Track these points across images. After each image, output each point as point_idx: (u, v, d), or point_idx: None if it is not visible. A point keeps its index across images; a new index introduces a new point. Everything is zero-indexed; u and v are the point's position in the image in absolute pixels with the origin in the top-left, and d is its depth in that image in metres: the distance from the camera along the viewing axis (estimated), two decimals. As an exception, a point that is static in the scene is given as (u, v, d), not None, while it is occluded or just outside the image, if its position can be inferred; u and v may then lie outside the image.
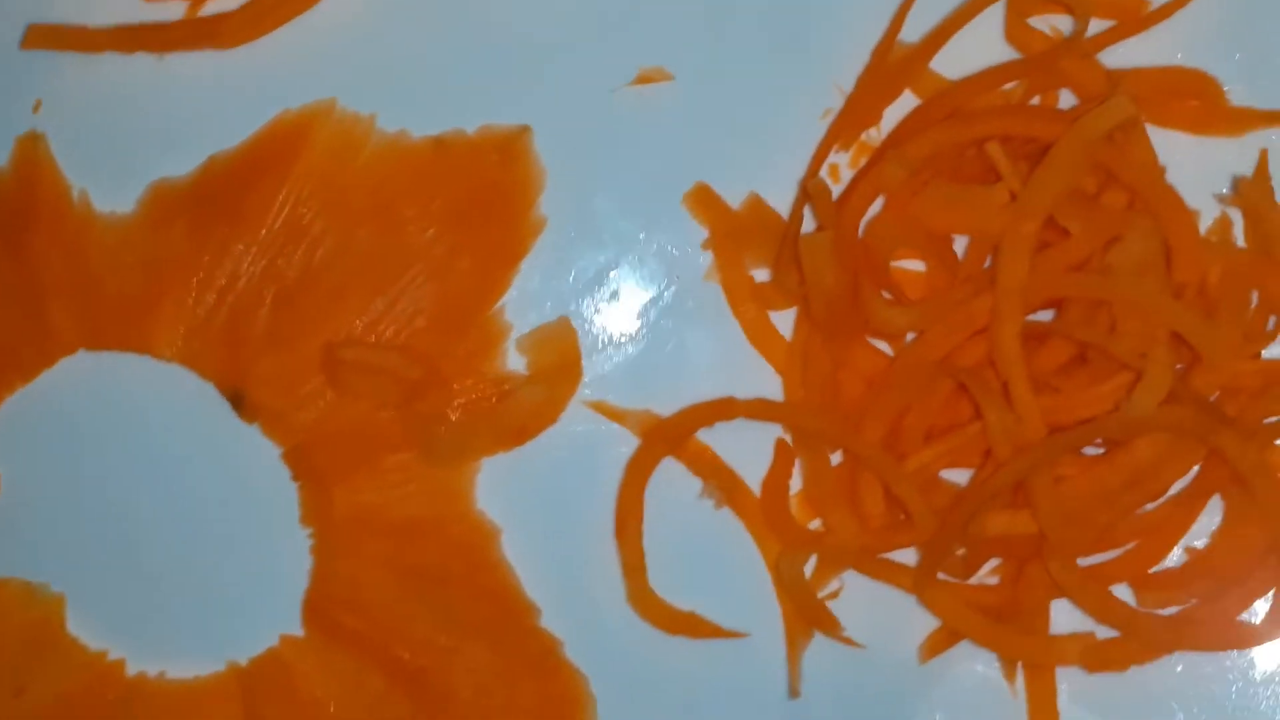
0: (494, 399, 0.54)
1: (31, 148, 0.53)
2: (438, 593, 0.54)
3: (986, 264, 0.53)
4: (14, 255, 0.52)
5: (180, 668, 0.54)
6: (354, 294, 0.54)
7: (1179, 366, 0.51)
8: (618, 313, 0.55)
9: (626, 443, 0.54)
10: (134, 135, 0.54)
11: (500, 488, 0.54)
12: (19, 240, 0.52)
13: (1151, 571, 0.52)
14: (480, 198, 0.54)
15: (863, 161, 0.54)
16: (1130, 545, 0.52)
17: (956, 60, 0.54)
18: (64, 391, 0.54)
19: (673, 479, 0.54)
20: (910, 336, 0.53)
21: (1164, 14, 0.53)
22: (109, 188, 0.53)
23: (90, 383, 0.54)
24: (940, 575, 0.52)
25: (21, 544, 0.54)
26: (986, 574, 0.53)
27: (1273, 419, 0.51)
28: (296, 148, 0.53)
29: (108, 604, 0.54)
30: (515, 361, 0.55)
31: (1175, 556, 0.52)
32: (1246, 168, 0.53)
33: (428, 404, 0.53)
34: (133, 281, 0.53)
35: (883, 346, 0.54)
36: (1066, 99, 0.54)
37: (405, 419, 0.53)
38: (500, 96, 0.55)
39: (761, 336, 0.54)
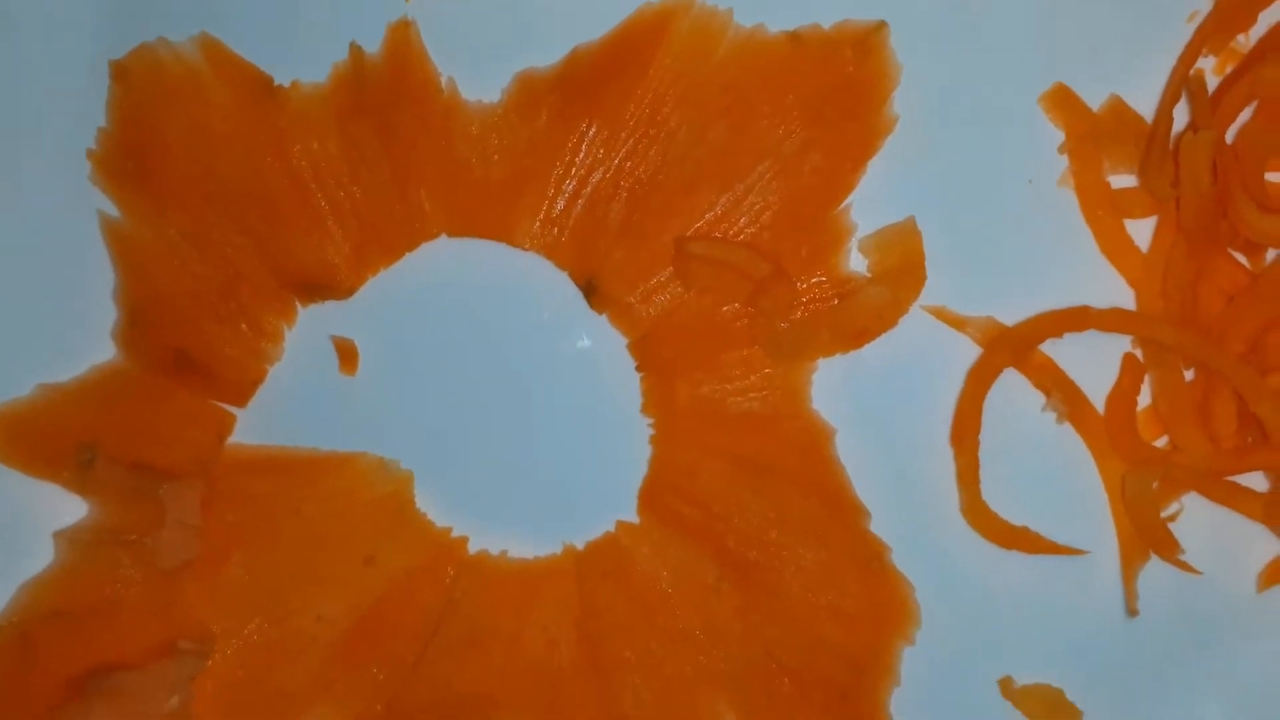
0: (836, 299, 0.58)
1: (403, 35, 0.59)
2: (771, 488, 0.58)
3: None
4: (385, 140, 0.58)
5: (519, 548, 0.60)
6: (705, 189, 0.58)
7: None
8: (964, 216, 0.58)
9: (967, 351, 0.58)
10: (501, 25, 0.59)
11: (837, 388, 0.59)
12: (390, 125, 0.58)
13: None
14: (834, 94, 0.58)
15: (1229, 70, 0.56)
16: None
17: None
18: (425, 274, 0.60)
19: (1013, 391, 0.57)
20: (1274, 253, 0.55)
21: None
22: (476, 77, 0.59)
23: (450, 267, 0.60)
24: None
25: (377, 420, 0.60)
26: None
27: None
28: (656, 41, 0.58)
29: (454, 483, 0.60)
30: (858, 262, 0.59)
31: None
32: None
33: (772, 300, 0.57)
34: (495, 170, 0.58)
35: (1243, 262, 0.56)
36: None
37: (750, 314, 0.58)
38: None
39: (1116, 246, 0.57)
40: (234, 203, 0.59)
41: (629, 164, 0.59)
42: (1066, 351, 0.57)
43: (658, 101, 0.58)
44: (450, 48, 0.60)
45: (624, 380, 0.60)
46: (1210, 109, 0.55)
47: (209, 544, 0.57)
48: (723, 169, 0.58)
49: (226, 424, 0.59)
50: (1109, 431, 0.57)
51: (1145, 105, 0.57)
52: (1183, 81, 0.55)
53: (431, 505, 0.60)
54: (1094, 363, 0.57)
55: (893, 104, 0.58)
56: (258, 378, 0.59)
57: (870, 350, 0.58)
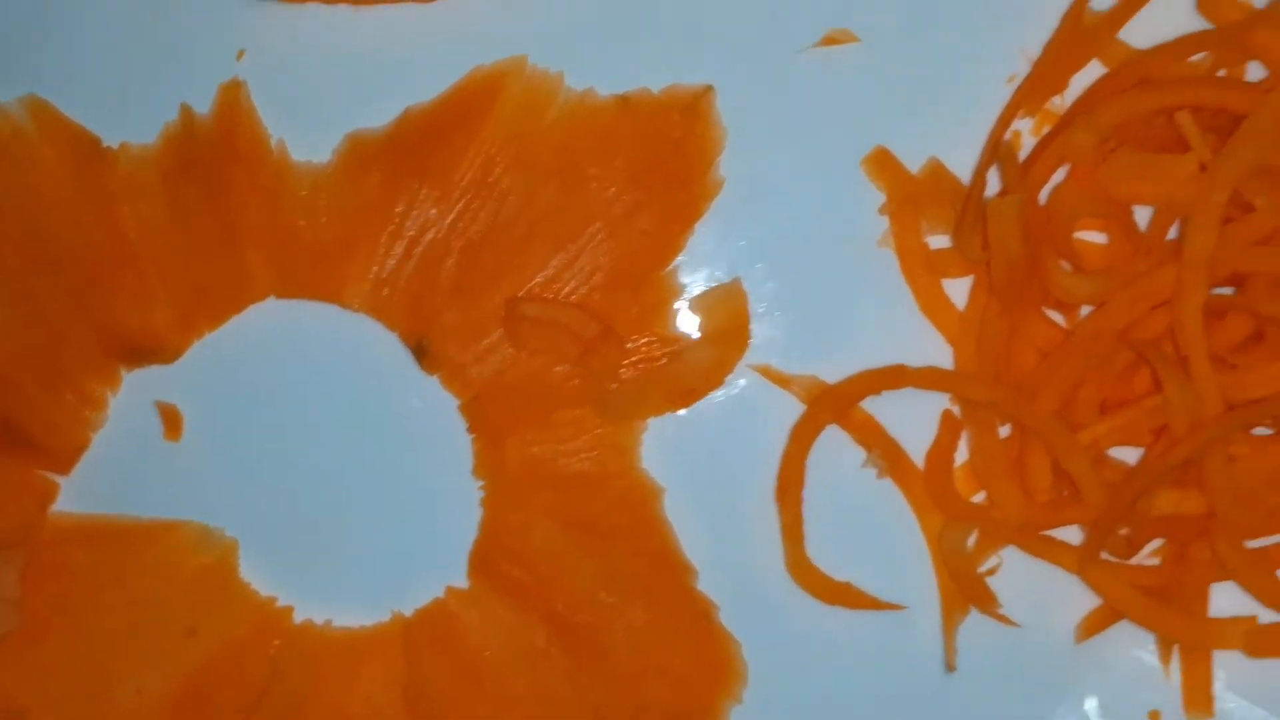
0: (665, 359, 0.61)
1: (233, 96, 0.61)
2: (601, 548, 0.61)
3: (1170, 236, 0.58)
4: (213, 200, 0.60)
5: (347, 617, 0.61)
6: (536, 250, 0.61)
7: None
8: (788, 277, 0.61)
9: (791, 408, 0.60)
10: (332, 86, 0.62)
11: (665, 447, 0.61)
12: (218, 186, 0.60)
13: None
14: (662, 157, 0.61)
15: (1045, 130, 0.60)
16: None
17: (1144, 30, 0.59)
18: (253, 337, 0.62)
19: (836, 447, 0.60)
20: (1086, 310, 0.58)
21: None
22: (306, 137, 0.61)
23: (279, 329, 0.62)
24: (1101, 554, 0.57)
25: (200, 487, 0.61)
26: (1146, 555, 0.58)
27: None
28: (488, 103, 0.60)
29: (279, 551, 0.62)
30: (686, 322, 0.61)
31: None
32: None
33: (602, 361, 0.60)
34: (325, 231, 0.61)
35: (1057, 319, 0.59)
36: (1254, 72, 0.59)
37: (581, 375, 0.60)
38: (685, 56, 0.61)
39: (934, 305, 0.60)
40: (59, 266, 0.61)
41: (460, 225, 0.61)
42: (891, 408, 0.61)
43: (489, 163, 0.61)
44: (281, 108, 0.62)
45: (455, 442, 0.62)
46: (1022, 172, 0.58)
47: (28, 617, 0.58)
48: (554, 230, 0.61)
49: (49, 493, 0.60)
50: (928, 487, 0.60)
51: (966, 167, 0.61)
52: (995, 146, 0.58)
53: (257, 574, 0.62)
54: (915, 419, 0.60)
55: (719, 168, 0.61)
56: (81, 445, 0.61)
57: (699, 409, 0.61)
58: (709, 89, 0.61)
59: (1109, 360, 0.57)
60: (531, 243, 0.61)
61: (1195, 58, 0.59)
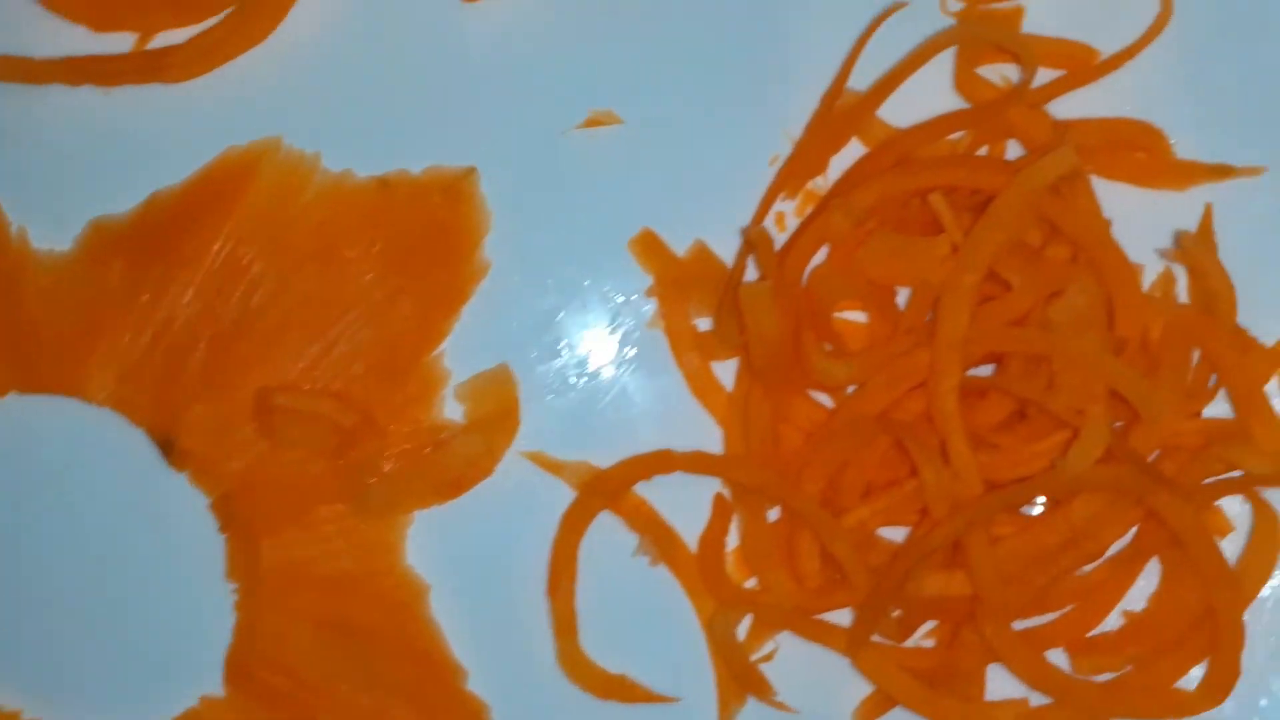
0: (429, 449, 0.60)
1: None
2: (363, 651, 0.59)
3: (929, 317, 0.58)
4: None
5: None
6: (291, 338, 0.60)
7: (1118, 424, 0.57)
8: (558, 361, 0.61)
9: (563, 496, 0.60)
10: (76, 171, 0.60)
11: (432, 542, 0.60)
12: None
13: (1088, 636, 0.58)
14: (424, 240, 0.60)
15: (809, 210, 0.61)
16: (1067, 608, 0.58)
17: (906, 109, 0.60)
18: None
19: (610, 534, 0.60)
20: (852, 389, 0.59)
21: (1113, 65, 0.59)
22: (48, 225, 0.60)
23: (19, 426, 0.60)
24: (876, 638, 0.58)
25: None
26: (923, 636, 0.59)
27: (1212, 479, 0.57)
28: (240, 186, 0.59)
29: (24, 661, 0.60)
30: (453, 410, 0.60)
31: (1112, 620, 0.58)
32: (1192, 222, 0.59)
33: (361, 453, 0.59)
34: (67, 323, 0.59)
35: (825, 400, 0.60)
36: (1016, 150, 0.60)
37: (338, 469, 0.59)
38: (447, 137, 0.61)
39: (704, 387, 0.60)
40: None
41: (210, 313, 0.60)
42: (666, 492, 0.60)
43: (241, 247, 0.60)
44: (22, 195, 0.61)
45: (207, 543, 0.60)
46: (781, 255, 0.59)
47: None
48: (311, 317, 0.60)
49: None
50: (701, 573, 0.60)
51: (733, 248, 0.61)
52: (753, 231, 0.59)
53: (3, 686, 0.60)
54: (690, 502, 0.60)
55: (484, 250, 0.61)
56: None
57: (467, 500, 0.60)
58: (471, 170, 0.61)
59: (871, 442, 0.58)
60: (286, 331, 0.60)
61: (956, 136, 0.60)
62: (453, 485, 0.60)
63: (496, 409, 0.60)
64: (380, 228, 0.60)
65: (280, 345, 0.60)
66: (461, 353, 0.61)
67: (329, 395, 0.60)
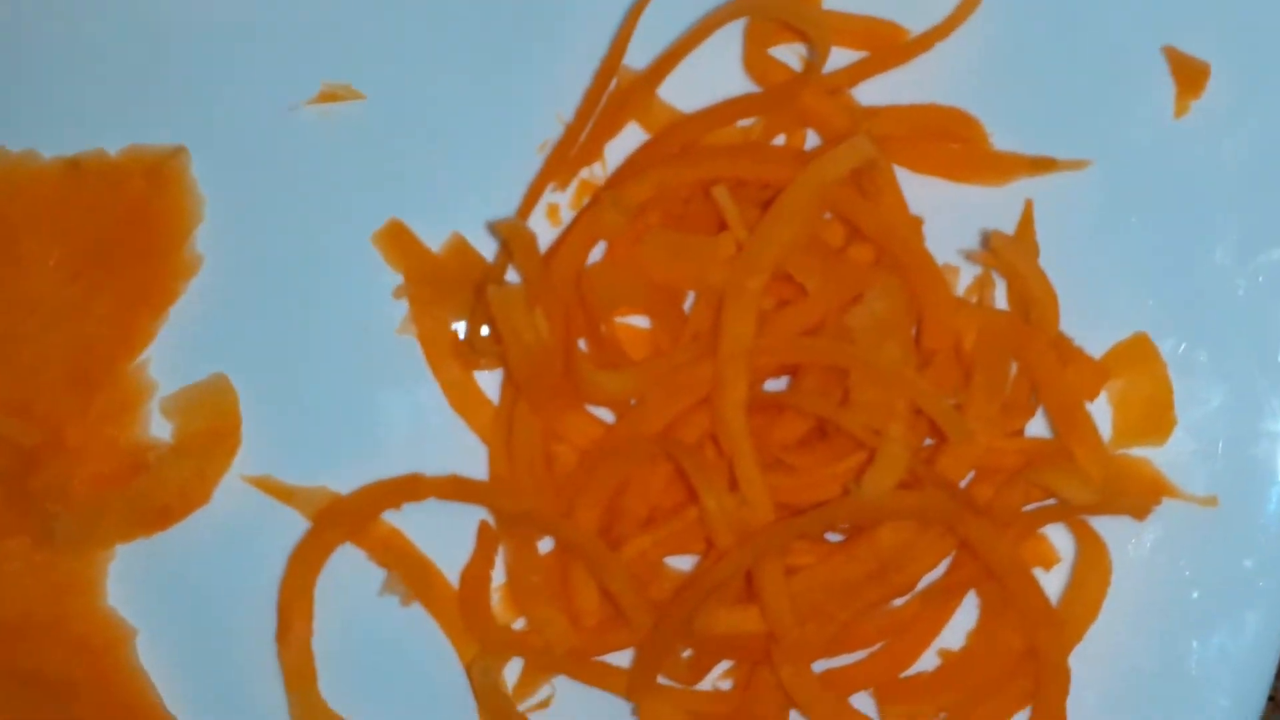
0: (131, 473, 0.54)
1: None
2: (57, 705, 0.54)
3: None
4: None
5: None
6: None
7: (928, 443, 0.53)
8: (289, 369, 0.56)
9: (295, 527, 0.55)
10: None
11: (138, 580, 0.55)
12: None
13: (899, 677, 0.54)
14: (123, 230, 0.55)
15: (586, 202, 0.56)
16: (875, 647, 0.54)
17: (693, 91, 0.56)
18: None
19: (353, 569, 0.55)
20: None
21: (922, 45, 0.56)
22: None
23: None
24: (663, 680, 0.54)
25: None
26: (718, 678, 0.55)
27: (1033, 505, 0.53)
28: None
29: None
30: (160, 427, 0.55)
31: (926, 660, 0.54)
32: (1011, 220, 0.55)
33: (46, 478, 0.53)
34: None
35: (607, 415, 0.55)
36: (814, 141, 0.56)
37: (16, 497, 0.53)
38: (151, 112, 0.56)
39: (464, 401, 0.55)
40: None
41: None
42: (422, 520, 0.55)
43: None
44: None
45: None
46: (550, 254, 0.54)
47: None
48: None
49: None
50: (462, 612, 0.55)
51: (495, 243, 0.56)
52: (509, 225, 0.54)
53: None
54: (452, 532, 0.55)
55: (195, 242, 0.56)
56: None
57: (179, 532, 0.55)
58: (181, 150, 0.56)
59: (652, 462, 0.53)
60: None
61: (748, 123, 0.56)
62: (161, 515, 0.55)
63: (212, 426, 0.56)
64: (71, 216, 0.56)
65: (-53, 351, 0.54)
66: (169, 361, 0.56)
67: (7, 410, 0.54)
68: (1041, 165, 0.56)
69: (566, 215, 0.56)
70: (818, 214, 0.52)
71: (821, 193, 0.52)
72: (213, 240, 0.56)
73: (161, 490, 0.54)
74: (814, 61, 0.55)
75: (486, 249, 0.56)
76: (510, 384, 0.55)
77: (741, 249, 0.52)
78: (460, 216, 0.56)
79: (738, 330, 0.51)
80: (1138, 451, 0.55)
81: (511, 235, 0.53)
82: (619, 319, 0.55)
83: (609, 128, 0.56)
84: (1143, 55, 0.56)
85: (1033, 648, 0.53)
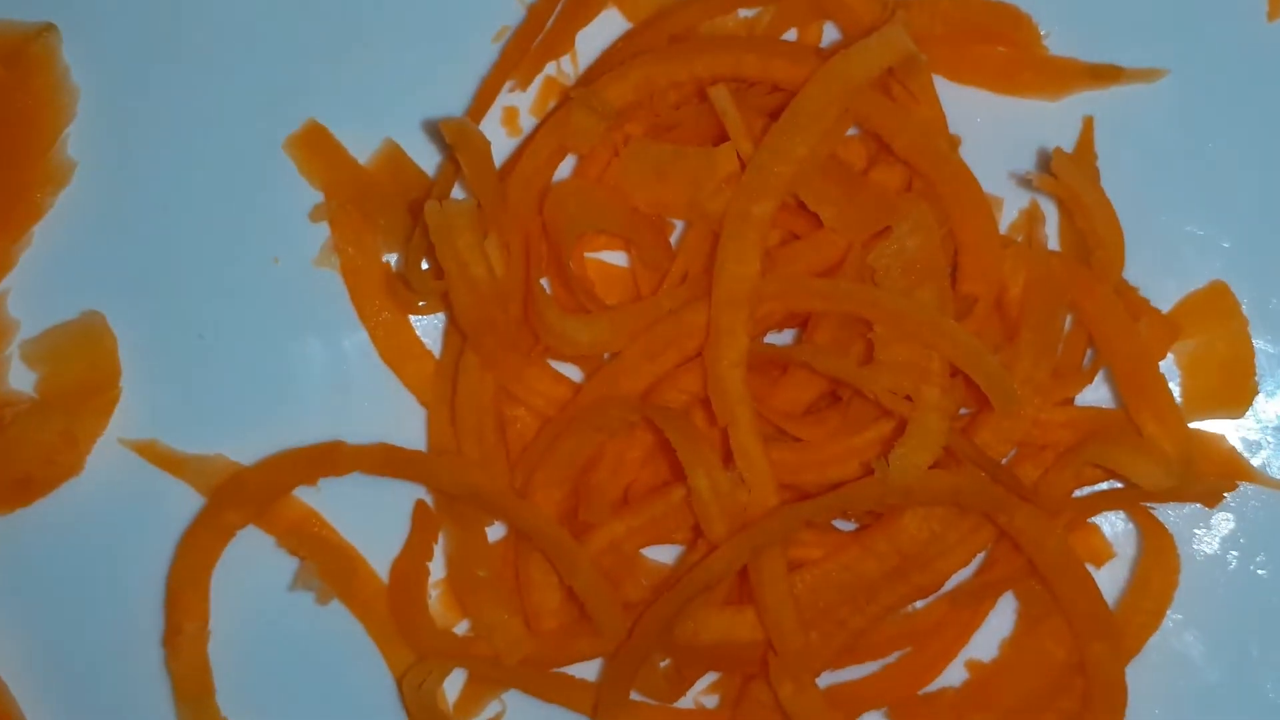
0: None
1: None
2: None
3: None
4: None
5: None
6: None
7: (962, 412, 0.48)
8: (182, 308, 0.51)
9: (187, 504, 0.50)
10: None
11: None
12: None
13: (919, 694, 0.50)
14: None
15: (552, 106, 0.51)
16: (892, 658, 0.50)
17: None
18: None
19: (259, 558, 0.51)
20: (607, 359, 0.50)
21: None
22: None
23: None
24: (636, 696, 0.50)
25: None
26: (704, 692, 0.51)
27: (1087, 489, 0.49)
28: None
29: None
30: (20, 377, 0.50)
31: (952, 674, 0.50)
32: (1068, 140, 0.51)
33: None
34: None
35: (572, 372, 0.51)
36: (832, 36, 0.51)
37: None
38: None
39: (397, 351, 0.51)
40: None
41: None
42: (342, 498, 0.51)
43: None
44: None
45: None
46: (507, 169, 0.49)
47: None
48: None
49: None
50: (393, 613, 0.51)
51: (437, 154, 0.51)
52: (455, 125, 0.48)
53: None
54: (380, 514, 0.51)
55: (67, 144, 0.51)
56: None
57: (45, 508, 0.51)
58: (49, 28, 0.51)
59: (629, 432, 0.49)
60: None
61: (750, 14, 0.51)
62: (21, 487, 0.51)
63: (85, 377, 0.52)
64: None
65: None
66: (32, 294, 0.51)
67: None
68: (1105, 75, 0.52)
69: (528, 122, 0.51)
70: (840, 125, 0.47)
71: (845, 98, 0.46)
72: (86, 143, 0.51)
73: (22, 456, 0.51)
74: None
75: (427, 160, 0.51)
76: (454, 331, 0.51)
77: (745, 166, 0.48)
78: (394, 119, 0.52)
79: (738, 269, 0.47)
80: (1210, 425, 0.50)
81: (458, 139, 0.48)
82: (591, 253, 0.51)
83: (582, 12, 0.52)
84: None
85: (1082, 660, 0.48)
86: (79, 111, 0.51)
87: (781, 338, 0.51)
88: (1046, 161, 0.51)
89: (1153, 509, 0.51)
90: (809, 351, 0.48)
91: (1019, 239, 0.51)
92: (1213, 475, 0.50)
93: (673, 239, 0.52)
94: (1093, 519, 0.51)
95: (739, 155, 0.49)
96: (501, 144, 0.51)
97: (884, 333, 0.47)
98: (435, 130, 0.52)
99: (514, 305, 0.48)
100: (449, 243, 0.46)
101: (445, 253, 0.47)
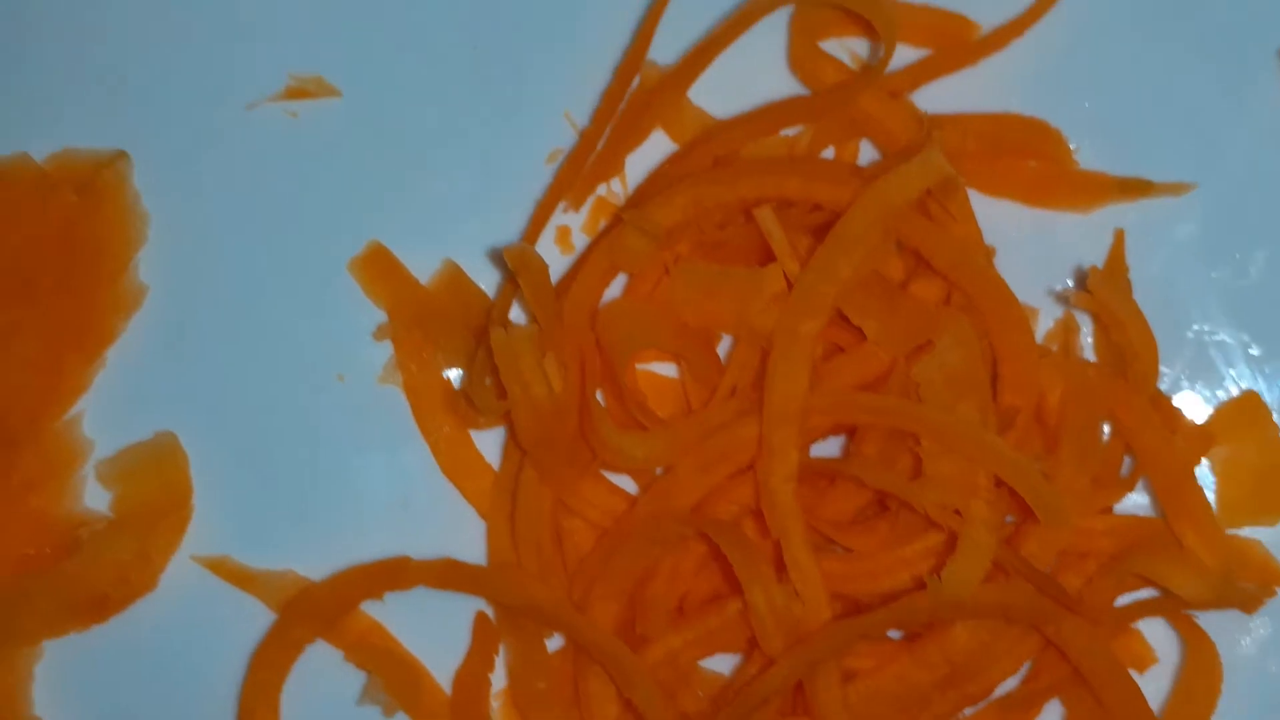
0: (61, 553, 0.51)
1: None
2: None
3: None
4: None
5: None
6: None
7: (1008, 519, 0.49)
8: (250, 427, 0.52)
9: (258, 619, 0.51)
10: None
11: (70, 684, 0.51)
12: None
13: None
14: (51, 255, 0.51)
15: (602, 226, 0.53)
16: None
17: (728, 93, 0.53)
18: None
19: (327, 671, 0.51)
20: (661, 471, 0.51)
21: (996, 43, 0.52)
22: None
23: None
24: None
25: None
26: None
27: (1129, 597, 0.50)
28: None
29: None
30: (96, 497, 0.51)
31: None
32: (1100, 253, 0.52)
33: None
34: None
35: (625, 481, 0.52)
36: (871, 154, 0.52)
37: None
38: (85, 110, 0.52)
39: (459, 466, 0.52)
40: None
41: None
42: (408, 612, 0.51)
43: None
44: None
45: None
46: (561, 288, 0.50)
47: None
48: None
49: None
50: None
51: (495, 274, 0.52)
52: (518, 250, 0.49)
53: None
54: (443, 627, 0.52)
55: (138, 269, 0.52)
56: None
57: (120, 625, 0.51)
58: (121, 155, 0.52)
59: (683, 545, 0.50)
60: None
61: (791, 132, 0.52)
62: (97, 605, 0.51)
63: (158, 496, 0.52)
64: None
65: None
66: (107, 415, 0.52)
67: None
68: (1134, 189, 0.53)
69: (579, 241, 0.53)
70: (885, 244, 0.48)
71: (887, 220, 0.48)
72: (157, 267, 0.52)
73: (98, 575, 0.51)
74: (880, 58, 0.51)
75: (485, 280, 0.52)
76: (514, 446, 0.51)
77: (791, 284, 0.49)
78: (454, 240, 0.53)
79: (788, 387, 0.48)
80: (1245, 532, 0.51)
81: (520, 264, 0.49)
82: (641, 364, 0.52)
83: (631, 136, 0.53)
84: (1255, 58, 0.52)
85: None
86: (149, 236, 0.52)
87: (828, 445, 0.51)
88: (1080, 276, 0.52)
89: (1196, 618, 0.50)
90: (859, 465, 0.49)
91: (1054, 348, 0.52)
92: (1251, 582, 0.50)
93: (720, 348, 0.52)
94: (1137, 625, 0.51)
95: (786, 275, 0.49)
96: (554, 260, 0.52)
97: (931, 446, 0.48)
98: (493, 249, 0.52)
99: (570, 421, 0.49)
100: (513, 367, 0.47)
101: (509, 376, 0.48)
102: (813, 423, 0.49)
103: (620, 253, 0.50)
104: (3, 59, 0.52)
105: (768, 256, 0.50)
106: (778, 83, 0.53)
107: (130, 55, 0.52)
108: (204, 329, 0.52)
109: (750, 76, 0.53)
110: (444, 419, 0.52)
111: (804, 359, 0.48)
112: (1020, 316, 0.49)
